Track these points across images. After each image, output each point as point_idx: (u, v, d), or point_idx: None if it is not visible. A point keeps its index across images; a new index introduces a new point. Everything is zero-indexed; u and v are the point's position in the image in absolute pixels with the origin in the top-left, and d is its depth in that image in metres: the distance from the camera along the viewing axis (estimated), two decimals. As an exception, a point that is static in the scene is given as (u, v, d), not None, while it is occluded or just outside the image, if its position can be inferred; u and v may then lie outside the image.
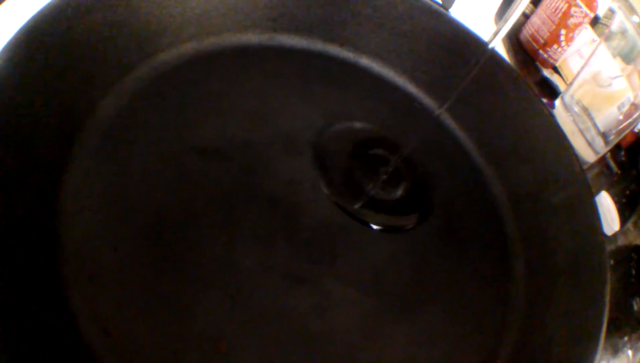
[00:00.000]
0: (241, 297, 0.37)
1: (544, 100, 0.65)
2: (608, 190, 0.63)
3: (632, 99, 0.62)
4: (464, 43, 0.53)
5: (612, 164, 0.68)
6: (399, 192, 0.47)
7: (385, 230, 0.45)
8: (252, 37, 0.51)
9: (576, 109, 0.64)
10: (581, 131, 0.64)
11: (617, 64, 0.64)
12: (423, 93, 0.54)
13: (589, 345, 0.40)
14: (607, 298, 0.43)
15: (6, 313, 0.31)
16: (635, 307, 0.53)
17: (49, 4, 0.40)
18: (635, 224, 0.64)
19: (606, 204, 0.62)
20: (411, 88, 0.54)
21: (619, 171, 0.68)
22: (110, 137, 0.41)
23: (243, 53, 0.50)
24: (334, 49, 0.54)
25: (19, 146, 0.36)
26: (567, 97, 0.64)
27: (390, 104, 0.52)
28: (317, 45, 0.53)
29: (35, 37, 0.39)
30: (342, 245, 0.43)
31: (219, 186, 0.42)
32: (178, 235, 0.39)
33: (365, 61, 0.54)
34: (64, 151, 0.39)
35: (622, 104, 0.63)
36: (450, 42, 0.53)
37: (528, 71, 0.69)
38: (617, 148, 0.69)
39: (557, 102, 0.65)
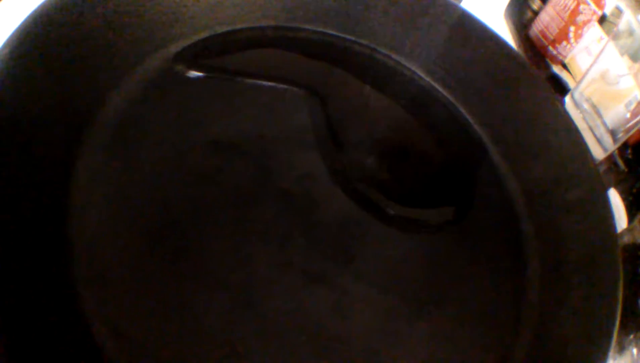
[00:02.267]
0: (256, 296, 0.36)
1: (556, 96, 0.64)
2: (615, 187, 0.62)
3: (639, 97, 0.61)
4: (478, 38, 0.51)
5: (620, 161, 0.67)
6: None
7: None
8: (266, 29, 0.50)
9: (585, 106, 0.63)
10: (590, 128, 0.63)
11: (624, 62, 0.63)
12: (440, 85, 0.52)
13: (603, 343, 0.40)
14: (620, 296, 0.42)
15: (16, 315, 0.30)
16: (641, 305, 0.52)
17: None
18: (642, 222, 0.63)
19: (614, 202, 0.61)
20: (427, 80, 0.52)
21: (625, 169, 0.67)
22: (120, 131, 0.40)
23: (257, 44, 0.49)
24: (349, 41, 0.52)
25: (25, 140, 0.35)
26: (576, 94, 0.63)
27: (406, 96, 0.51)
28: (332, 37, 0.51)
29: (46, 25, 0.38)
30: (359, 242, 0.41)
31: (232, 182, 0.41)
32: (190, 232, 0.38)
33: (381, 54, 0.52)
34: (72, 146, 0.38)
35: (630, 102, 0.62)
36: (466, 37, 0.52)
37: (538, 66, 0.68)
38: (624, 145, 0.68)
39: (567, 98, 0.63)
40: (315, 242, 0.40)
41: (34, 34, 0.37)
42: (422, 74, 0.52)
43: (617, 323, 0.41)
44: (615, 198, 0.61)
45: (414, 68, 0.52)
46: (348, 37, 0.52)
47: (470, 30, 0.52)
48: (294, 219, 0.40)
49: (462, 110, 0.51)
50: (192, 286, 0.35)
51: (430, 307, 0.40)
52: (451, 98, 0.51)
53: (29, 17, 0.37)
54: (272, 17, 0.49)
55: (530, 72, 0.50)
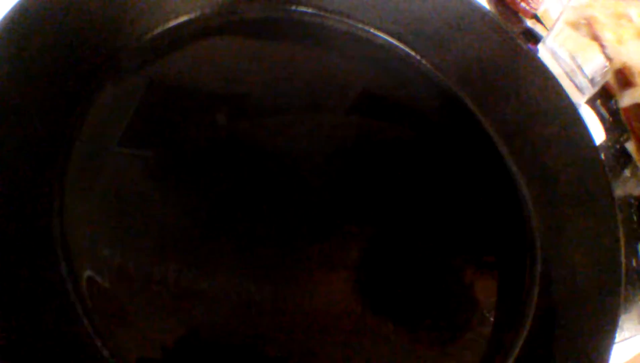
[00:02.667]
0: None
1: (529, 45, 0.64)
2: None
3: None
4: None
5: (604, 111, 0.67)
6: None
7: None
8: (213, 18, 0.48)
9: (560, 53, 0.63)
10: (567, 75, 0.63)
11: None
12: (398, 41, 0.51)
13: (612, 269, 0.41)
14: (619, 218, 0.43)
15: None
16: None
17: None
18: (632, 173, 0.64)
19: (588, 116, 0.62)
20: (385, 38, 0.52)
21: (610, 119, 0.66)
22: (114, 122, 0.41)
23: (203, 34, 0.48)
24: (297, 12, 0.50)
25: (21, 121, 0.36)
26: (548, 41, 0.63)
27: (366, 58, 0.51)
28: (279, 11, 0.49)
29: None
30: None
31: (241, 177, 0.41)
32: (196, 233, 0.38)
33: (332, 20, 0.51)
34: (69, 131, 0.39)
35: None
36: None
37: (511, 21, 0.68)
38: (607, 96, 0.68)
39: (540, 46, 0.63)
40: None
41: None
42: (378, 33, 0.51)
43: (623, 248, 0.42)
44: (589, 113, 0.62)
45: (368, 29, 0.51)
46: (294, 7, 0.50)
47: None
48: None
49: (426, 63, 0.51)
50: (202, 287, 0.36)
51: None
52: (412, 53, 0.51)
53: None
54: (216, 2, 0.48)
55: (489, 15, 0.51)
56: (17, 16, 0.36)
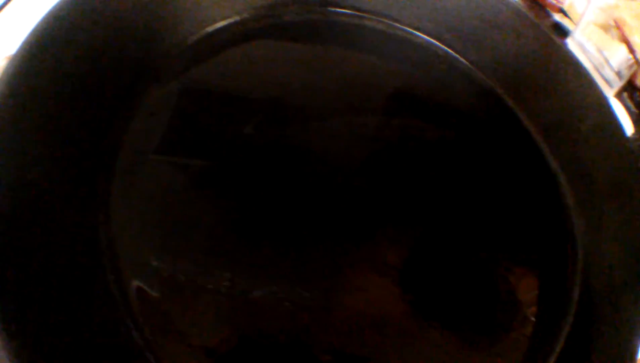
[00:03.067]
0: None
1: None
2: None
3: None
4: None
5: (631, 104, 0.67)
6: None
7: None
8: (250, 22, 0.48)
9: (588, 47, 0.63)
10: (596, 68, 0.63)
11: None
12: (436, 40, 0.51)
13: None
14: None
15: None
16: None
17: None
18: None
19: (617, 110, 0.60)
20: (423, 37, 0.51)
21: (637, 111, 0.66)
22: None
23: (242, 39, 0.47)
24: (334, 14, 0.50)
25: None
26: (577, 36, 0.63)
27: (405, 57, 0.51)
28: (316, 13, 0.49)
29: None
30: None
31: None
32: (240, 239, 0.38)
33: (370, 20, 0.51)
34: (112, 141, 0.38)
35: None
36: None
37: (538, 16, 0.68)
38: (633, 88, 0.68)
39: (568, 40, 0.63)
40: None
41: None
42: (416, 32, 0.51)
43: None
44: (617, 106, 0.62)
45: (405, 28, 0.51)
46: (331, 9, 0.50)
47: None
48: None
49: (464, 61, 0.51)
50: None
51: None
52: (450, 51, 0.51)
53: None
54: (253, 7, 0.47)
55: (523, 12, 0.50)
56: (52, 27, 0.36)
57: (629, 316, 0.40)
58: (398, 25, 0.50)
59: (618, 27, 0.61)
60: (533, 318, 0.41)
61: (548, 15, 0.68)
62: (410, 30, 0.50)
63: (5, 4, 0.55)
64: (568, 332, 0.41)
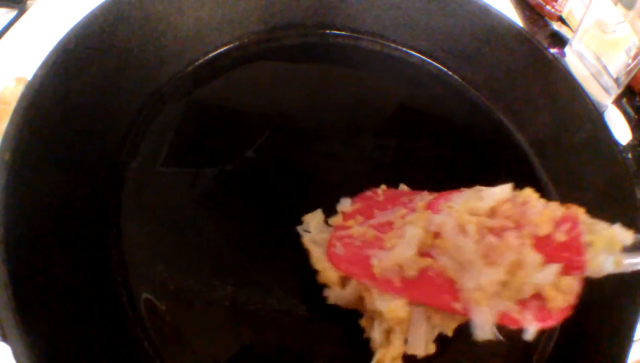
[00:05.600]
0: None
1: (555, 50, 0.64)
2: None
3: (637, 42, 0.61)
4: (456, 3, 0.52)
5: (630, 110, 0.67)
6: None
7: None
8: (249, 45, 0.49)
9: (586, 55, 0.63)
10: (594, 76, 0.63)
11: (619, 11, 0.63)
12: (429, 58, 0.52)
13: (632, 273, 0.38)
14: None
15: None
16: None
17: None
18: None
19: (615, 116, 0.63)
20: (417, 56, 0.53)
21: (636, 116, 0.67)
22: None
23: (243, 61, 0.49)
24: (331, 36, 0.52)
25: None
26: (575, 44, 0.63)
27: (399, 76, 0.52)
28: (314, 36, 0.51)
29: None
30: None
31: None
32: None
33: (365, 40, 0.52)
34: (121, 160, 0.41)
35: (629, 48, 0.62)
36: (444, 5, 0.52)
37: (537, 25, 0.68)
38: (632, 93, 0.68)
39: (567, 49, 0.64)
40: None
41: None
42: (411, 51, 0.52)
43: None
44: (615, 113, 0.63)
45: (401, 48, 0.52)
46: (328, 31, 0.52)
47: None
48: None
49: (458, 78, 0.52)
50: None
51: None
52: (444, 69, 0.52)
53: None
54: (252, 31, 0.49)
55: (516, 28, 0.51)
56: (62, 59, 0.38)
57: (613, 324, 0.41)
58: (393, 45, 0.51)
59: None
60: None
61: (547, 24, 0.68)
62: (406, 49, 0.52)
63: (10, 25, 0.57)
64: (557, 338, 0.43)
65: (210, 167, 0.42)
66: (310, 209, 0.41)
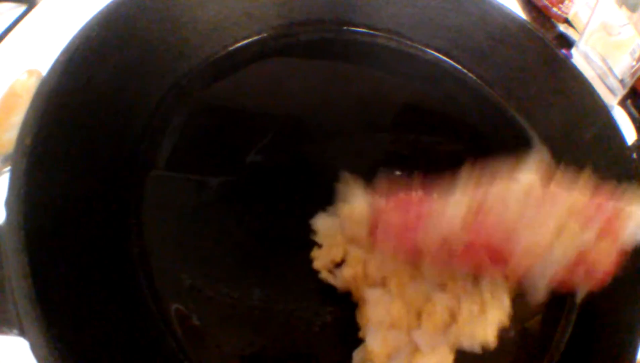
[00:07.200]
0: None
1: (563, 51, 0.65)
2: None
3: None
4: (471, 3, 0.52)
5: (634, 110, 0.68)
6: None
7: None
8: (267, 39, 0.49)
9: (592, 57, 0.64)
10: (600, 77, 0.64)
11: (623, 13, 0.64)
12: (445, 56, 0.53)
13: None
14: None
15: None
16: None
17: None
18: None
19: (620, 117, 0.63)
20: (432, 54, 0.53)
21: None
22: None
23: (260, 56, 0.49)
24: (349, 32, 0.52)
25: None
26: (581, 46, 0.64)
27: (415, 74, 0.52)
28: (331, 32, 0.51)
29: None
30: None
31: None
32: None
33: (382, 37, 0.52)
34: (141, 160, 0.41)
35: (634, 50, 0.63)
36: (459, 4, 0.52)
37: (544, 27, 0.69)
38: (636, 94, 0.69)
39: (573, 51, 0.64)
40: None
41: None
42: (426, 49, 0.52)
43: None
44: (621, 114, 0.63)
45: (416, 45, 0.52)
46: (345, 28, 0.52)
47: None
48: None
49: (472, 76, 0.52)
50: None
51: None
52: (459, 66, 0.52)
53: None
54: (271, 26, 0.49)
55: (528, 27, 0.51)
56: (84, 46, 0.37)
57: (629, 319, 0.41)
58: (409, 42, 0.51)
59: None
60: (541, 318, 0.43)
61: (553, 26, 0.69)
62: (421, 47, 0.52)
63: (19, 19, 0.57)
64: (570, 334, 0.43)
65: (230, 165, 0.42)
66: (330, 203, 0.40)
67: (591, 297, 0.42)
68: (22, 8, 0.59)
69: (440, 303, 0.37)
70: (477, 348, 0.36)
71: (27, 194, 0.30)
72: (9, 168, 0.44)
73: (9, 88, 0.50)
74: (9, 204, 0.30)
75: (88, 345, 0.31)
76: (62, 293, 0.30)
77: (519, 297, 0.41)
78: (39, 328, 0.28)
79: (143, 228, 0.38)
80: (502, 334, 0.38)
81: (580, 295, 0.33)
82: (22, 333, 0.28)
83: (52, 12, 0.58)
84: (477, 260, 0.34)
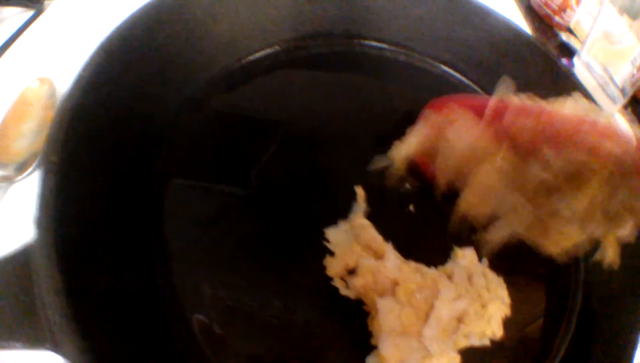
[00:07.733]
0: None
1: (565, 60, 0.66)
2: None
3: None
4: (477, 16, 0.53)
5: (635, 118, 0.69)
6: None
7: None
8: (280, 52, 0.50)
9: (593, 66, 0.65)
10: (601, 86, 0.65)
11: (624, 21, 0.65)
12: (450, 69, 0.54)
13: None
14: None
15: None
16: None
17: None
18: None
19: (621, 124, 0.63)
20: (438, 66, 0.54)
21: (640, 124, 0.68)
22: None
23: (271, 68, 0.50)
24: (358, 45, 0.53)
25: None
26: (583, 55, 0.65)
27: (423, 85, 0.53)
28: (341, 45, 0.52)
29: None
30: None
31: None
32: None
33: (390, 50, 0.54)
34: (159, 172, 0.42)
35: (635, 59, 0.64)
36: (465, 17, 0.53)
37: (546, 36, 0.69)
38: (637, 103, 0.70)
39: (575, 60, 0.65)
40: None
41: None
42: (434, 62, 0.54)
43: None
44: (621, 121, 0.64)
45: (424, 58, 0.54)
46: (355, 40, 0.53)
47: (469, 10, 0.53)
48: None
49: (477, 88, 0.53)
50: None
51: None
52: (465, 80, 0.53)
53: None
54: (284, 39, 0.50)
55: (532, 42, 0.52)
56: (104, 63, 0.38)
57: (627, 322, 0.42)
58: (417, 55, 0.53)
59: None
60: (541, 323, 0.44)
61: (555, 35, 0.70)
62: (429, 60, 0.53)
63: (27, 25, 0.57)
64: (571, 337, 0.44)
65: (244, 175, 0.43)
66: (341, 214, 0.42)
67: (591, 301, 0.44)
68: (29, 13, 0.58)
69: (447, 307, 0.39)
70: (486, 342, 0.38)
71: (56, 211, 0.31)
72: (20, 177, 0.45)
73: (20, 96, 0.49)
74: (39, 222, 0.30)
75: (118, 357, 0.32)
76: (93, 306, 0.31)
77: (519, 303, 0.43)
78: (75, 342, 0.28)
79: (164, 239, 0.39)
80: (504, 339, 0.41)
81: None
82: (55, 347, 0.29)
83: (61, 18, 0.58)
84: None
